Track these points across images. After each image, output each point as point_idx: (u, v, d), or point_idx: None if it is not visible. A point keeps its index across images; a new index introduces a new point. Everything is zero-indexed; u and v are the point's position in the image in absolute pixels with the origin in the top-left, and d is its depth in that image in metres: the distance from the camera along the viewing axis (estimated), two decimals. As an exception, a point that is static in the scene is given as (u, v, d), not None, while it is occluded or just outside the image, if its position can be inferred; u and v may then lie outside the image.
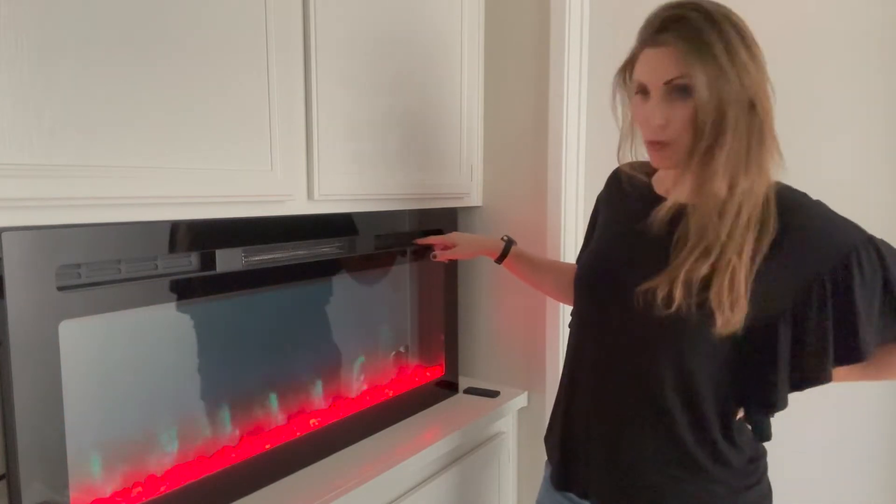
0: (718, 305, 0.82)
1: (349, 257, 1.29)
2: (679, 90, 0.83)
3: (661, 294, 0.84)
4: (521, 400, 1.57)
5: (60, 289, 0.82)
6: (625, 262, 0.95)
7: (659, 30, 0.85)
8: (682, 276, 0.83)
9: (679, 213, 0.88)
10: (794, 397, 1.28)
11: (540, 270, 1.28)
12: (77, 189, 0.80)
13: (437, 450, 1.30)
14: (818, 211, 0.86)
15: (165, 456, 0.99)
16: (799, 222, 0.84)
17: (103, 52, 0.81)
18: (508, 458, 1.58)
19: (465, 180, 1.56)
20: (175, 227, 0.94)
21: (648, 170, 1.00)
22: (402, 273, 1.48)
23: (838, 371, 0.88)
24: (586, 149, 1.52)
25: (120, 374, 0.93)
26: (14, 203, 0.74)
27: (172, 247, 0.95)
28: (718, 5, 0.84)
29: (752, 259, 0.83)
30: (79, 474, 0.87)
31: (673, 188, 0.92)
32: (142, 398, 0.96)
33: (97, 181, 0.82)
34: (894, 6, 1.29)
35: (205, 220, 0.98)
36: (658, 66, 0.84)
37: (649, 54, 0.86)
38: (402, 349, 1.49)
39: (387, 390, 1.42)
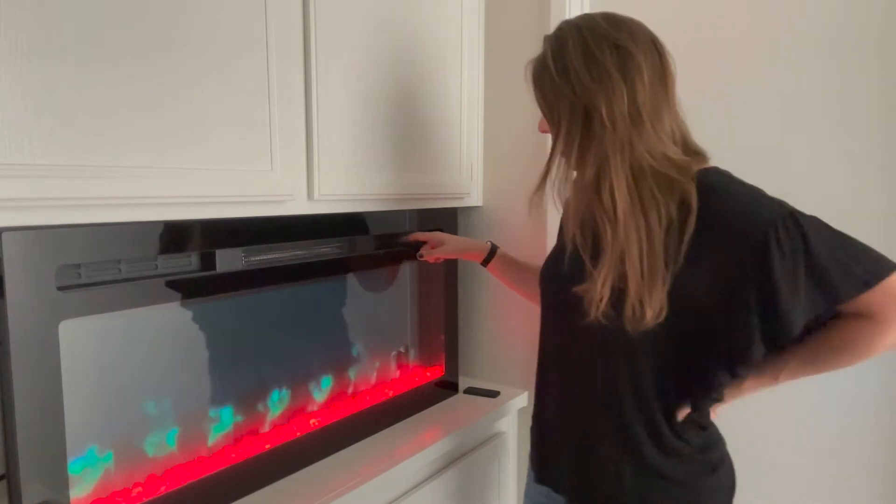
0: (641, 301, 0.84)
1: (349, 257, 1.29)
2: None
3: (588, 300, 0.88)
4: (521, 400, 1.57)
5: (60, 289, 0.82)
6: (566, 260, 0.99)
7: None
8: (599, 284, 0.87)
9: None
10: (791, 396, 1.28)
11: (525, 275, 1.29)
12: (77, 189, 0.80)
13: (437, 450, 1.30)
14: (737, 191, 0.87)
15: (165, 456, 0.99)
16: (718, 205, 0.85)
17: (103, 53, 0.81)
18: (508, 458, 1.57)
19: (465, 180, 1.56)
20: (175, 227, 0.94)
21: None
22: (402, 273, 1.48)
23: (784, 367, 0.91)
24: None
25: (120, 374, 0.93)
26: (14, 203, 0.74)
27: (172, 247, 0.95)
28: (586, 18, 0.92)
29: (678, 249, 0.85)
30: (79, 474, 0.87)
31: None
32: (141, 398, 0.96)
33: (97, 181, 0.82)
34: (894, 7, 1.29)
35: (205, 220, 0.98)
36: None
37: None
38: (402, 349, 1.49)
39: (387, 390, 1.42)
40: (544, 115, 0.95)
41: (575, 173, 0.92)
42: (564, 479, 1.02)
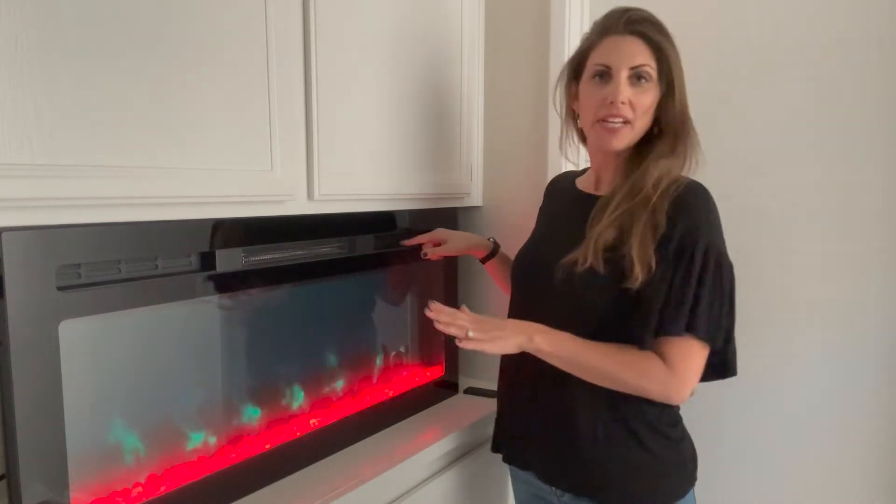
0: (637, 260, 0.92)
1: (349, 257, 1.29)
2: (644, 77, 0.96)
3: (579, 260, 0.96)
4: (521, 400, 1.57)
5: (60, 289, 0.82)
6: (549, 245, 1.07)
7: (628, 22, 0.95)
8: (592, 242, 0.95)
9: (591, 203, 1.02)
10: (792, 395, 1.27)
11: None
12: (77, 189, 0.80)
13: (438, 450, 1.30)
14: (698, 212, 0.95)
15: (166, 456, 0.99)
16: (682, 214, 0.94)
17: (103, 52, 0.81)
18: (508, 458, 1.57)
19: (465, 180, 1.56)
20: (175, 227, 0.94)
21: (574, 176, 1.19)
22: (402, 273, 1.48)
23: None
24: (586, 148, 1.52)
25: (120, 374, 0.93)
26: (14, 203, 0.74)
27: (172, 247, 0.95)
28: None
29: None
30: (79, 474, 0.87)
31: (595, 181, 1.09)
32: (141, 398, 0.96)
33: (97, 181, 0.82)
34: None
35: (205, 220, 0.98)
36: (627, 51, 0.95)
37: (616, 41, 0.96)
38: (402, 349, 1.49)
39: (387, 390, 1.42)
40: (662, 91, 0.97)
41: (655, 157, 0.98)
42: (534, 456, 1.09)
